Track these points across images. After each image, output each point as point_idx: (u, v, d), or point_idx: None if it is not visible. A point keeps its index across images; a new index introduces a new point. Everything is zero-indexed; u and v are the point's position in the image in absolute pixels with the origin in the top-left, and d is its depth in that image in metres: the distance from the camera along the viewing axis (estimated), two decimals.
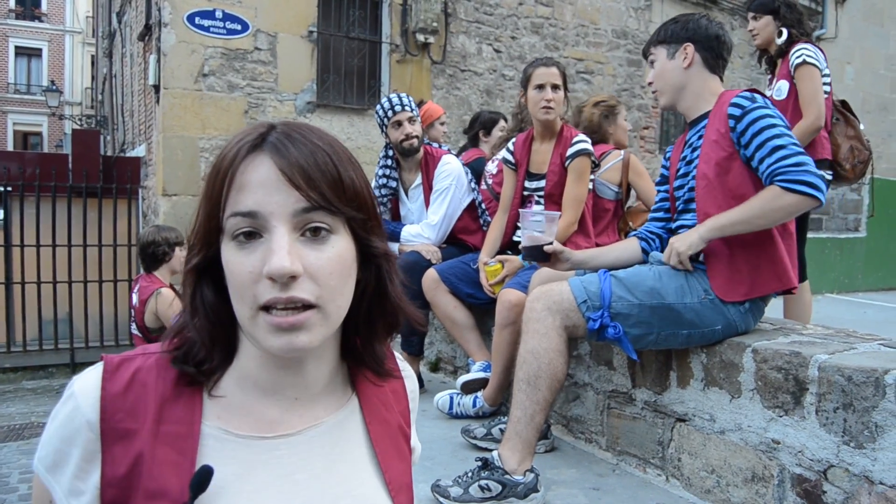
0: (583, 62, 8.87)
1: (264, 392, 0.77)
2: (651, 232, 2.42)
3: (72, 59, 28.91)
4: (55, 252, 7.41)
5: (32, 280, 7.35)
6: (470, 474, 2.16)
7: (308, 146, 0.72)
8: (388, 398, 0.89)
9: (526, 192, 3.11)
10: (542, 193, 3.04)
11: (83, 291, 7.58)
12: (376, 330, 0.83)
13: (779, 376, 1.93)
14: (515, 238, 3.12)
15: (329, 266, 0.71)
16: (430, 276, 3.17)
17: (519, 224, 3.03)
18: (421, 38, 7.58)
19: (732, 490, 2.07)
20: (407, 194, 3.56)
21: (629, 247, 2.42)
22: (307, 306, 0.69)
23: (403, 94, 3.45)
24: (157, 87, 6.73)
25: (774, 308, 2.37)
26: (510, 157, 3.16)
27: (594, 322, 2.12)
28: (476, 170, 3.81)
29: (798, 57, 3.26)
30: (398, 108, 3.36)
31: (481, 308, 3.19)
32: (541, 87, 2.94)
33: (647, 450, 2.40)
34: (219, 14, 6.61)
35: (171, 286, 3.84)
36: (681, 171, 2.29)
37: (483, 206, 3.58)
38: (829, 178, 3.40)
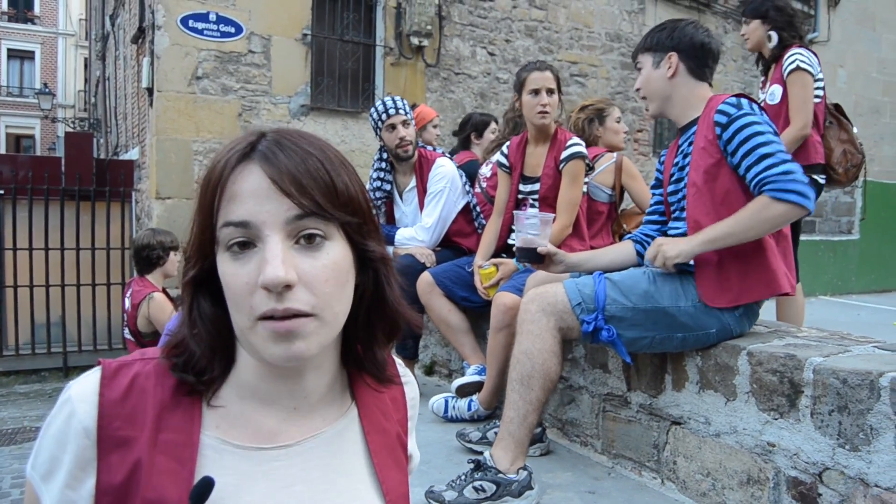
0: (577, 65, 8.88)
1: (262, 402, 0.76)
2: (646, 235, 2.42)
3: (65, 62, 28.82)
4: (48, 255, 7.37)
5: (25, 284, 7.31)
6: (463, 477, 2.16)
7: (298, 153, 0.71)
8: (388, 406, 0.88)
9: (520, 196, 3.11)
10: (536, 196, 3.04)
11: (76, 295, 7.54)
12: (376, 335, 0.82)
13: (774, 379, 1.93)
14: (510, 241, 3.12)
15: (324, 273, 0.70)
16: (425, 279, 3.16)
17: (513, 226, 3.03)
18: (415, 41, 7.57)
19: (728, 493, 2.07)
20: (401, 197, 3.56)
21: (624, 250, 2.42)
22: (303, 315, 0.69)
23: (397, 98, 3.45)
24: (150, 90, 6.70)
25: (768, 310, 2.37)
26: (504, 160, 3.16)
27: (588, 324, 2.13)
28: (468, 172, 3.81)
29: (792, 62, 3.26)
30: (392, 111, 3.35)
31: (476, 311, 3.19)
32: (536, 91, 2.94)
33: (643, 453, 2.40)
34: (212, 17, 6.58)
35: (164, 290, 3.82)
36: (674, 177, 2.29)
37: (478, 208, 3.58)
38: (823, 182, 3.41)
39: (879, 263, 10.97)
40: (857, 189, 10.34)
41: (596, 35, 9.04)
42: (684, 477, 2.23)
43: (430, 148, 3.64)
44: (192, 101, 6.56)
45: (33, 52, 28.58)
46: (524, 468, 2.16)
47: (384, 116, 3.36)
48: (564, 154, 2.96)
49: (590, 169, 3.13)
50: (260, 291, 0.67)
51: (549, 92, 2.94)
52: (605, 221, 3.33)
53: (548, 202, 3.01)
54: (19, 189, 7.30)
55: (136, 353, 0.78)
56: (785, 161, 1.98)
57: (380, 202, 3.55)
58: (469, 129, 4.56)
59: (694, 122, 2.22)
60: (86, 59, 23.56)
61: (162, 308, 3.64)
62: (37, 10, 28.77)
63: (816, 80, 3.30)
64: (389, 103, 3.38)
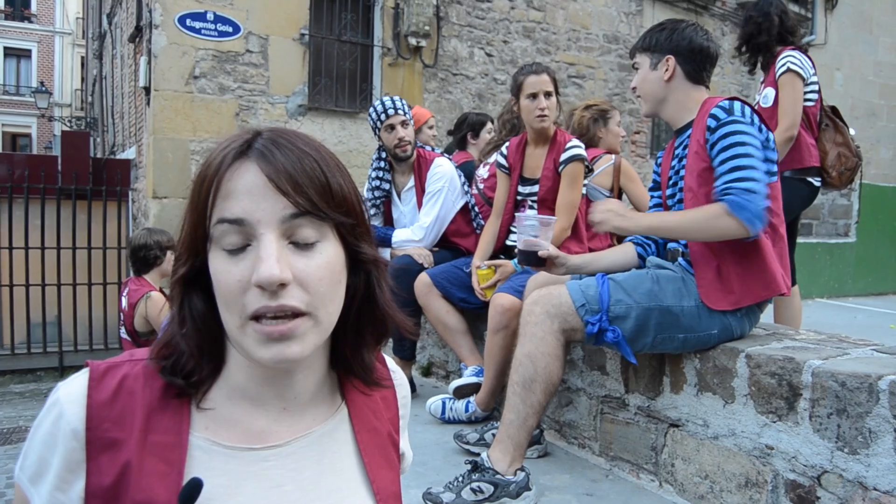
0: (574, 66, 8.89)
1: (252, 402, 0.76)
2: (647, 237, 2.42)
3: (61, 61, 28.75)
4: (44, 255, 7.36)
5: (21, 283, 7.30)
6: (461, 478, 2.15)
7: (295, 152, 0.71)
8: (378, 405, 0.88)
9: (519, 197, 3.11)
10: (535, 198, 3.04)
11: (72, 294, 7.54)
12: (364, 337, 0.81)
13: (772, 382, 1.93)
14: (509, 242, 3.12)
15: (318, 272, 0.70)
16: (423, 280, 3.16)
17: (513, 228, 3.03)
18: (413, 41, 7.58)
19: (726, 496, 2.07)
20: (399, 197, 3.55)
21: (625, 252, 2.42)
22: (297, 314, 0.68)
23: (397, 98, 3.44)
24: (147, 89, 6.69)
25: (765, 313, 2.37)
26: (504, 161, 3.16)
27: (593, 326, 2.12)
28: (465, 173, 3.80)
29: (783, 66, 3.28)
30: (391, 111, 3.35)
31: (473, 312, 3.18)
32: (534, 95, 2.93)
33: (641, 455, 2.40)
34: (210, 16, 6.58)
35: (161, 290, 3.80)
36: (671, 181, 2.29)
37: (476, 209, 3.58)
38: (818, 184, 3.42)
39: (876, 266, 11.01)
40: (853, 192, 10.37)
41: (594, 36, 9.06)
42: (682, 479, 2.22)
43: (428, 148, 3.63)
44: (189, 101, 6.54)
45: (30, 51, 28.51)
46: (522, 469, 2.16)
47: (383, 117, 3.35)
48: (564, 156, 2.95)
49: (589, 171, 3.13)
50: (253, 290, 0.67)
51: (547, 95, 2.94)
52: None
53: (547, 204, 3.00)
54: (15, 188, 7.29)
55: (125, 353, 0.77)
56: (754, 179, 1.94)
57: (378, 201, 3.54)
58: (465, 129, 4.54)
59: (689, 125, 2.21)
60: (83, 57, 23.55)
61: (160, 308, 3.63)
62: (34, 8, 28.70)
63: (809, 84, 3.31)
64: (388, 103, 3.37)
